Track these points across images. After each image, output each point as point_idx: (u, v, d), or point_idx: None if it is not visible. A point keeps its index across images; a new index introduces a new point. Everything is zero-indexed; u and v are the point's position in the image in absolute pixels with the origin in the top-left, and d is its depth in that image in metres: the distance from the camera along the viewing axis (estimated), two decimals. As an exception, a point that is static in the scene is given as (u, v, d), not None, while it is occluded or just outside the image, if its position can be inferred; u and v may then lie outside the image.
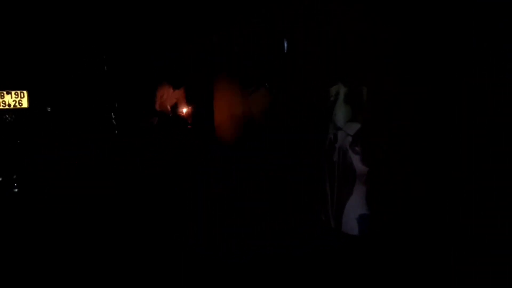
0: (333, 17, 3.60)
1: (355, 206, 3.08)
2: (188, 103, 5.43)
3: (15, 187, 4.78)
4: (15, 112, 5.44)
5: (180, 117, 5.50)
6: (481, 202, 2.44)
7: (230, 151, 4.69)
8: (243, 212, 3.73)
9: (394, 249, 2.85)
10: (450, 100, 2.73)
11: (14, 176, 4.85)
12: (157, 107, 5.49)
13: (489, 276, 2.22)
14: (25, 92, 5.44)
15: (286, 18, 4.33)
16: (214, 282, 2.61)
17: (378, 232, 3.04)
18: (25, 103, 5.49)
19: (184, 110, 5.47)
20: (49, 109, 5.60)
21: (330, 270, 2.69)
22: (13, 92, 5.42)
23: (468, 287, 2.26)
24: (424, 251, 2.66)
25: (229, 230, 3.33)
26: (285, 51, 4.39)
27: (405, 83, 3.06)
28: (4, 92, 5.38)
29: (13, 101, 5.44)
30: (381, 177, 3.07)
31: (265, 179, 4.17)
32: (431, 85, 2.87)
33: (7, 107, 5.38)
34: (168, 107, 5.48)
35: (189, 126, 5.41)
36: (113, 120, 5.37)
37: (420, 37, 2.94)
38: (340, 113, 3.10)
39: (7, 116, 5.45)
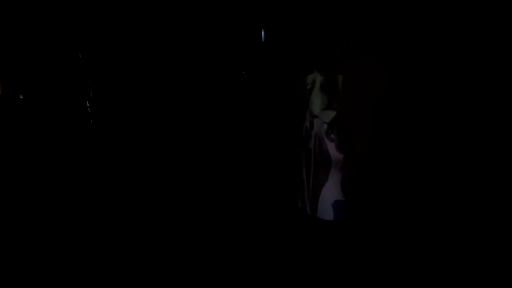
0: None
1: (330, 193, 3.16)
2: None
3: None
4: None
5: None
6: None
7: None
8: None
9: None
10: (446, 100, 2.78)
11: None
12: None
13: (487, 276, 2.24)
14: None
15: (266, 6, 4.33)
16: (212, 282, 2.60)
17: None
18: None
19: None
20: (21, 97, 5.43)
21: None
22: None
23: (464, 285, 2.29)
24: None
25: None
26: (263, 41, 4.40)
27: (399, 81, 3.10)
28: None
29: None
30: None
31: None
32: (428, 84, 2.92)
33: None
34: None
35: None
36: (88, 109, 5.26)
37: (416, 35, 2.98)
38: (316, 101, 3.15)
39: None
